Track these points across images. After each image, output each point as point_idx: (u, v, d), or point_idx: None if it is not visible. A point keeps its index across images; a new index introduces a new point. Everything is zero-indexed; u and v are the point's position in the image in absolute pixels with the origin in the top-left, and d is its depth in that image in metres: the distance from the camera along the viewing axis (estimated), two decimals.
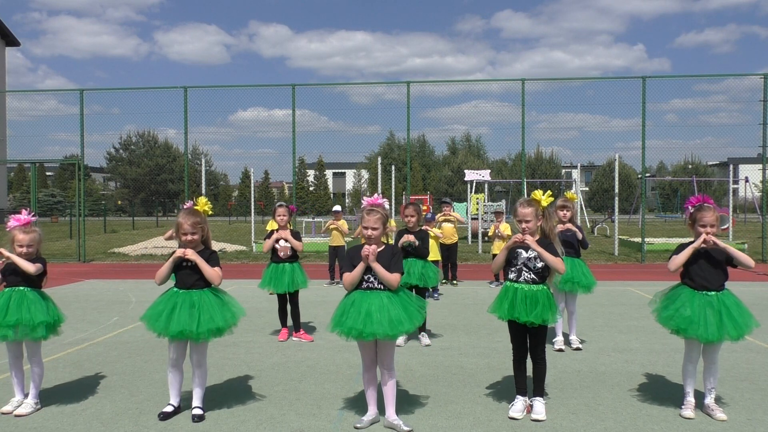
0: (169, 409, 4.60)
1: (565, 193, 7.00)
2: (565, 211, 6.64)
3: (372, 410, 4.46)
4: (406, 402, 4.88)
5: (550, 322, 4.54)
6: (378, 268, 4.24)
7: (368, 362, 4.48)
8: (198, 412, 4.57)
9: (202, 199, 5.05)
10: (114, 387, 5.36)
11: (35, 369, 4.78)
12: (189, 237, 4.60)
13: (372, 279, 4.31)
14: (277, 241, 7.03)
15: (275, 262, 7.10)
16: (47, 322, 4.68)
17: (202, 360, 4.66)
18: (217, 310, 4.53)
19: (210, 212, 4.91)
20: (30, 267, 4.64)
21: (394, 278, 4.27)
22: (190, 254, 4.53)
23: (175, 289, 4.61)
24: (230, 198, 60.81)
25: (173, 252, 4.63)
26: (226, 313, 4.57)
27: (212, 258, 4.66)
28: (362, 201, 4.57)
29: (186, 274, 4.59)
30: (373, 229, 4.34)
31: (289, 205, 7.23)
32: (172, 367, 4.64)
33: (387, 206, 4.72)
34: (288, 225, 7.11)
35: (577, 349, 6.58)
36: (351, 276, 4.32)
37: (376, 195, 4.59)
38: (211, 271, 4.57)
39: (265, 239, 7.32)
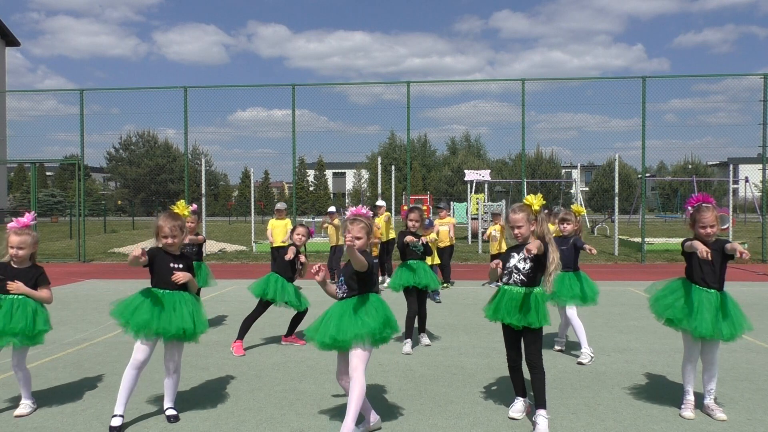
0: (171, 412, 4.57)
1: (571, 206, 6.80)
2: (565, 225, 6.39)
3: (371, 417, 4.31)
4: (406, 402, 4.88)
5: (535, 325, 4.32)
6: (351, 249, 4.15)
7: (337, 369, 4.35)
8: (171, 412, 4.53)
9: (181, 203, 4.95)
10: (114, 387, 5.34)
11: (24, 373, 4.73)
12: (169, 240, 4.54)
13: (338, 290, 4.34)
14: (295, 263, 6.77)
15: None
16: (46, 330, 4.71)
17: (178, 367, 4.59)
18: (200, 313, 4.54)
19: (188, 216, 4.85)
20: (46, 298, 4.72)
21: (361, 260, 4.13)
22: (182, 278, 4.46)
23: (155, 289, 4.49)
24: (230, 198, 60.79)
25: (160, 249, 4.51)
26: (203, 317, 4.56)
27: (191, 268, 4.67)
28: (347, 211, 4.49)
29: (170, 282, 4.46)
30: (357, 238, 4.27)
31: (310, 228, 7.08)
32: (138, 367, 4.43)
33: (371, 214, 4.68)
34: (305, 245, 6.98)
35: (580, 363, 6.00)
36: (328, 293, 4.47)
37: (360, 206, 4.55)
38: (195, 282, 4.66)
39: (284, 256, 6.83)
